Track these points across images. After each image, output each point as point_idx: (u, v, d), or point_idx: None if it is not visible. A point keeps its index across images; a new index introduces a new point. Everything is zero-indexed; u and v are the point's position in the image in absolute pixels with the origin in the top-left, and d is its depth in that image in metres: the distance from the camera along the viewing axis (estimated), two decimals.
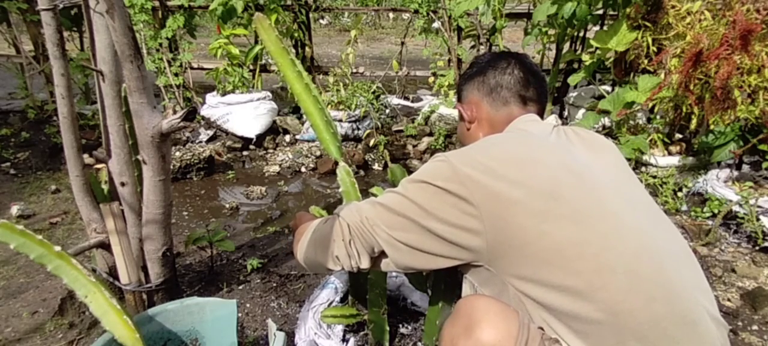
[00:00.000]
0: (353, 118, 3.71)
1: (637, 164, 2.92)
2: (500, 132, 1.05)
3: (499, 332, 0.75)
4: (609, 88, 3.58)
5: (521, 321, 0.77)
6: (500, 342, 0.74)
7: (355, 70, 4.50)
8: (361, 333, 1.52)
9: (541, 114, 1.10)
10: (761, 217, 2.19)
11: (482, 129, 1.12)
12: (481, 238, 0.82)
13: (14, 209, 2.54)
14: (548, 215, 0.78)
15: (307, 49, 4.51)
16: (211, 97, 3.87)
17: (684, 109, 2.65)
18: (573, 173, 0.84)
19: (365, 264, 0.99)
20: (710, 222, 2.35)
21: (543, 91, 1.11)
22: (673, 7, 2.64)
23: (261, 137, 3.73)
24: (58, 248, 1.03)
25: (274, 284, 1.94)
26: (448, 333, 0.85)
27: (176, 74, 4.18)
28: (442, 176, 0.85)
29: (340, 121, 3.66)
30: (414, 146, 3.66)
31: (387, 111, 4.13)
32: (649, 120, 3.23)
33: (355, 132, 3.72)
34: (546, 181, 0.81)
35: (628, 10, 2.88)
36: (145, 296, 1.59)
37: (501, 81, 1.09)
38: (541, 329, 0.80)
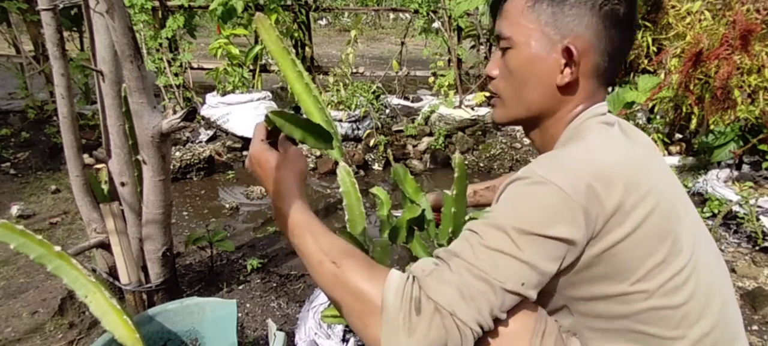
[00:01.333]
0: (353, 118, 3.71)
1: None
2: (571, 121, 0.80)
3: (517, 320, 0.73)
4: (609, 88, 3.58)
5: (539, 311, 0.75)
6: (518, 330, 0.73)
7: (355, 70, 4.50)
8: None
9: None
10: (761, 217, 2.19)
11: (575, 101, 0.79)
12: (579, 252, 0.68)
13: (14, 209, 2.54)
14: (658, 256, 0.68)
15: (307, 49, 4.52)
16: (211, 97, 3.87)
17: (684, 109, 2.65)
18: (676, 206, 0.74)
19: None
20: (710, 222, 2.35)
21: None
22: (673, 7, 2.64)
23: None
24: (58, 248, 1.03)
25: (274, 284, 1.94)
26: None
27: (176, 74, 4.18)
28: (558, 217, 0.64)
29: (340, 121, 3.66)
30: (414, 146, 3.66)
31: (387, 111, 4.14)
32: (649, 120, 3.23)
33: (355, 132, 3.72)
34: (660, 216, 0.69)
35: None
36: (145, 296, 1.59)
37: (626, 36, 0.78)
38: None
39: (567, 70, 0.77)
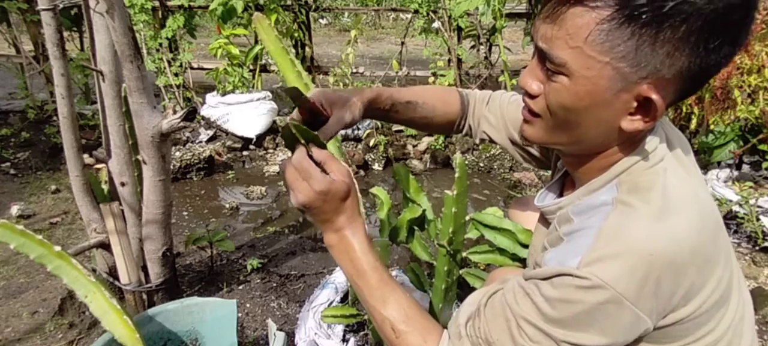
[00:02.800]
0: None
1: None
2: (626, 156, 0.67)
3: None
4: None
5: None
6: None
7: (355, 70, 4.50)
8: (361, 333, 1.52)
9: None
10: (761, 217, 2.19)
11: (637, 140, 0.67)
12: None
13: (14, 209, 2.54)
14: (712, 323, 0.64)
15: (307, 49, 4.52)
16: (211, 97, 3.87)
17: (684, 109, 2.65)
18: (729, 264, 0.67)
19: None
20: None
21: None
22: None
23: (261, 137, 3.73)
24: (58, 248, 1.03)
25: (274, 284, 1.93)
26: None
27: (176, 74, 4.18)
28: (620, 332, 0.59)
29: None
30: (414, 146, 3.66)
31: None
32: None
33: (355, 132, 3.72)
34: (724, 285, 0.64)
35: None
36: (145, 296, 1.59)
37: (727, 52, 0.58)
38: None
39: (638, 118, 0.61)
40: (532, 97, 0.68)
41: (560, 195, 0.88)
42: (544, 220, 0.87)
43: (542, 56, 0.64)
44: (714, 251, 0.62)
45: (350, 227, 0.74)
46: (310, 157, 0.72)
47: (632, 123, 0.61)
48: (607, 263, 0.56)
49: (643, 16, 0.53)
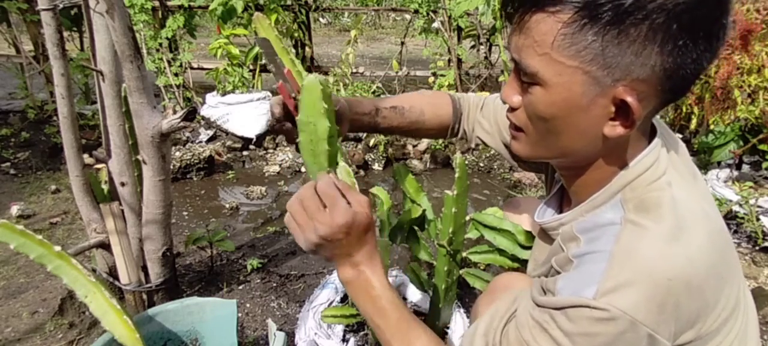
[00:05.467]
0: None
1: None
2: (624, 166, 0.65)
3: None
4: None
5: None
6: None
7: (355, 70, 4.50)
8: (361, 333, 1.52)
9: None
10: (761, 217, 2.19)
11: (629, 145, 0.65)
12: None
13: (14, 209, 2.54)
14: (721, 334, 0.63)
15: (307, 49, 4.52)
16: (211, 97, 3.87)
17: (684, 109, 2.65)
18: (737, 277, 0.67)
19: None
20: None
21: None
22: None
23: (261, 137, 3.73)
24: (58, 248, 1.03)
25: (274, 284, 1.94)
26: (486, 309, 0.83)
27: (176, 74, 4.18)
28: None
29: None
30: (414, 146, 3.66)
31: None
32: None
33: (355, 132, 3.72)
34: (730, 300, 0.62)
35: None
36: (145, 296, 1.59)
37: (713, 47, 0.55)
38: None
39: (618, 123, 0.59)
40: (513, 110, 0.67)
41: (560, 209, 0.87)
42: (545, 235, 0.84)
43: (517, 68, 0.62)
44: (725, 268, 0.61)
45: (370, 263, 0.69)
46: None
47: (614, 129, 0.59)
48: (624, 292, 0.55)
49: (604, 16, 0.52)
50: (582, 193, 0.71)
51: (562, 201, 0.87)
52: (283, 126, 0.88)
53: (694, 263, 0.56)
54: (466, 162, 2.78)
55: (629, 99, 0.55)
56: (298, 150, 0.80)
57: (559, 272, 0.64)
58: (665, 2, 0.51)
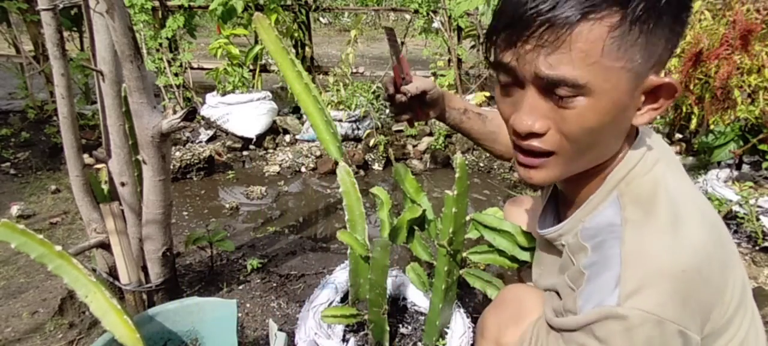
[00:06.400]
0: (353, 118, 3.71)
1: None
2: (619, 162, 0.66)
3: None
4: None
5: None
6: None
7: (355, 70, 4.50)
8: (361, 333, 1.52)
9: None
10: (761, 217, 2.19)
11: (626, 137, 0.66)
12: None
13: (14, 209, 2.54)
14: (734, 325, 0.63)
15: (307, 49, 4.51)
16: (211, 97, 3.87)
17: (684, 109, 2.65)
18: (739, 266, 0.67)
19: None
20: None
21: None
22: None
23: (261, 137, 3.73)
24: (58, 248, 1.03)
25: (274, 284, 1.94)
26: (495, 321, 0.85)
27: (176, 74, 4.18)
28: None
29: (340, 121, 3.66)
30: (414, 146, 3.66)
31: (387, 111, 4.14)
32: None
33: (355, 132, 3.72)
34: (736, 287, 0.63)
35: None
36: (145, 296, 1.59)
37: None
38: None
39: (647, 109, 0.60)
40: (540, 135, 0.62)
41: (557, 213, 0.86)
42: (549, 243, 0.83)
43: (547, 86, 0.58)
44: (725, 253, 0.62)
45: None
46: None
47: (643, 116, 0.60)
48: (646, 293, 0.55)
49: (645, 11, 0.54)
50: (582, 194, 0.71)
51: (558, 204, 0.87)
52: (394, 99, 1.05)
53: (699, 252, 0.57)
54: (466, 162, 2.78)
55: (666, 79, 0.57)
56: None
57: (573, 288, 0.63)
58: None
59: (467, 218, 1.25)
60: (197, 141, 3.71)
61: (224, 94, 3.85)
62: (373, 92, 3.93)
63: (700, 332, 0.58)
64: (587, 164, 0.66)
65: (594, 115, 0.58)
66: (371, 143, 3.48)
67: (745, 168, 2.80)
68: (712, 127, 2.62)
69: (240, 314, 1.73)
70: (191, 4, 4.18)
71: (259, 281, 1.96)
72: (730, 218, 2.35)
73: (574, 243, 0.68)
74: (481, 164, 3.42)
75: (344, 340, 1.47)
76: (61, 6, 1.32)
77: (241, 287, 1.91)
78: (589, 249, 0.64)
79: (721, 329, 0.61)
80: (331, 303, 1.57)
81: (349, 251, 1.33)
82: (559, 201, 0.86)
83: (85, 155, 3.00)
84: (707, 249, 0.58)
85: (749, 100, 2.40)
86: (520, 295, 0.85)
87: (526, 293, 0.85)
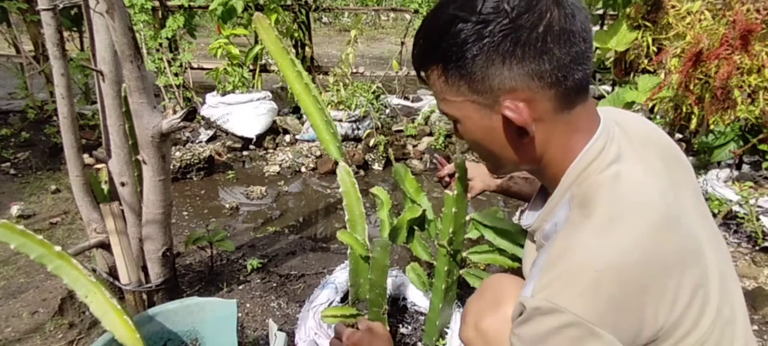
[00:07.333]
0: (353, 118, 3.71)
1: None
2: (570, 160, 0.68)
3: None
4: (609, 88, 3.58)
5: None
6: None
7: (355, 70, 4.50)
8: None
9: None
10: (761, 217, 2.19)
11: (559, 137, 0.68)
12: None
13: (14, 209, 2.54)
14: (686, 322, 0.62)
15: (307, 49, 4.51)
16: (211, 97, 3.87)
17: (684, 109, 2.64)
18: (709, 273, 0.65)
19: None
20: None
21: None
22: (673, 6, 2.64)
23: (261, 137, 3.73)
24: (58, 248, 1.03)
25: (274, 284, 1.94)
26: (475, 307, 0.87)
27: (176, 74, 4.18)
28: (577, 342, 0.57)
29: (340, 121, 3.66)
30: (414, 146, 3.66)
31: (387, 111, 4.14)
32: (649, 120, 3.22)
33: (355, 132, 3.72)
34: (684, 288, 0.61)
35: (628, 10, 2.89)
36: (145, 296, 1.59)
37: (576, 43, 0.63)
38: None
39: (523, 127, 0.65)
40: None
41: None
42: (531, 236, 0.86)
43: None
44: (673, 256, 0.60)
45: None
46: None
47: (523, 133, 0.66)
48: (556, 286, 0.58)
49: (454, 59, 0.64)
50: (551, 189, 0.74)
51: (546, 199, 0.89)
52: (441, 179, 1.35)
53: (626, 253, 0.58)
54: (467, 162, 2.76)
55: (507, 112, 0.64)
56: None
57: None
58: (482, 37, 0.61)
59: (467, 217, 1.25)
60: (197, 141, 3.71)
61: (224, 94, 3.85)
62: (373, 92, 3.93)
63: (631, 336, 0.58)
64: (512, 167, 0.75)
65: (466, 135, 0.73)
66: (371, 143, 3.48)
67: (745, 168, 2.80)
68: (712, 127, 2.62)
69: (240, 314, 1.73)
70: (191, 4, 4.18)
71: (259, 281, 1.96)
72: (730, 218, 2.35)
73: (539, 242, 0.75)
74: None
75: None
76: (61, 6, 1.32)
77: (241, 287, 1.91)
78: (544, 248, 0.68)
79: (669, 329, 0.60)
80: (331, 303, 1.57)
81: (349, 251, 1.33)
82: (547, 195, 0.89)
83: (85, 155, 3.00)
84: (641, 251, 0.58)
85: (749, 100, 2.40)
86: (501, 282, 0.88)
87: (506, 280, 0.88)
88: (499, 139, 0.69)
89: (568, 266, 0.59)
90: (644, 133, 0.75)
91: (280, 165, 3.39)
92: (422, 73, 0.72)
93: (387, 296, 1.39)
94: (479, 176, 1.33)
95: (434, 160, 1.19)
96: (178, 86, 4.18)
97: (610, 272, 0.57)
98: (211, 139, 3.78)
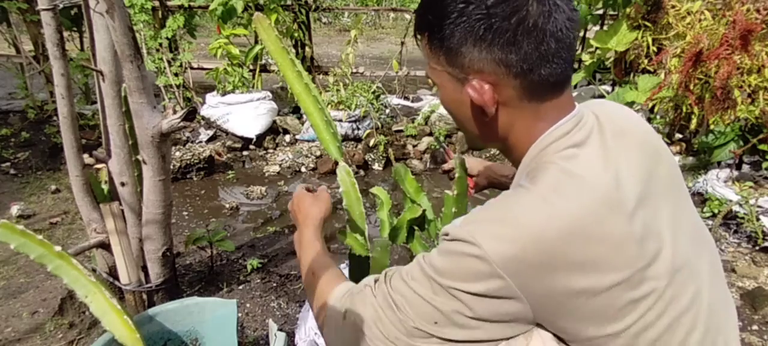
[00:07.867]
0: (353, 118, 3.71)
1: None
2: (533, 142, 0.71)
3: None
4: (609, 88, 3.58)
5: None
6: None
7: (355, 70, 4.50)
8: None
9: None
10: (761, 217, 2.19)
11: (524, 122, 0.71)
12: (531, 319, 0.65)
13: (14, 209, 2.54)
14: (623, 315, 0.61)
15: (307, 49, 4.51)
16: (211, 97, 3.87)
17: (684, 109, 2.65)
18: (653, 251, 0.63)
19: None
20: (710, 222, 2.35)
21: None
22: (673, 7, 2.64)
23: (261, 137, 3.73)
24: (58, 248, 1.03)
25: (274, 284, 1.94)
26: None
27: (176, 74, 4.18)
28: (475, 275, 0.61)
29: (340, 121, 3.66)
30: (414, 146, 3.66)
31: (387, 111, 4.14)
32: (649, 120, 3.23)
33: (355, 132, 3.72)
34: (621, 267, 0.60)
35: (628, 10, 2.89)
36: (145, 296, 1.59)
37: (546, 40, 0.64)
38: None
39: (483, 107, 0.69)
40: None
41: None
42: None
43: None
44: (611, 235, 0.60)
45: (305, 225, 0.99)
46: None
47: (488, 111, 0.70)
48: (478, 224, 0.63)
49: (436, 32, 0.69)
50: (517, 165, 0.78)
51: None
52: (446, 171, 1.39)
53: (554, 220, 0.60)
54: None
55: (469, 90, 0.69)
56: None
57: None
58: (461, 16, 0.66)
59: None
60: (197, 141, 3.71)
61: (224, 94, 3.85)
62: (373, 92, 3.93)
63: (535, 299, 0.61)
64: (481, 141, 0.79)
65: (443, 103, 0.78)
66: (371, 143, 3.48)
67: (745, 168, 2.80)
68: (712, 127, 2.62)
69: (240, 314, 1.73)
70: (191, 4, 4.18)
71: (259, 281, 1.96)
72: (730, 217, 2.35)
73: None
74: None
75: None
76: (61, 6, 1.32)
77: (241, 287, 1.91)
78: None
79: (596, 319, 0.61)
80: None
81: (349, 251, 1.33)
82: None
83: (85, 155, 3.00)
84: (569, 223, 0.60)
85: (749, 100, 2.40)
86: None
87: None
88: (465, 112, 0.74)
89: (498, 214, 0.64)
90: (622, 124, 0.74)
91: (280, 165, 3.39)
92: (418, 37, 0.78)
93: None
94: (484, 171, 1.34)
95: (442, 150, 1.21)
96: (178, 86, 4.18)
97: (529, 231, 0.60)
98: (211, 139, 3.78)
